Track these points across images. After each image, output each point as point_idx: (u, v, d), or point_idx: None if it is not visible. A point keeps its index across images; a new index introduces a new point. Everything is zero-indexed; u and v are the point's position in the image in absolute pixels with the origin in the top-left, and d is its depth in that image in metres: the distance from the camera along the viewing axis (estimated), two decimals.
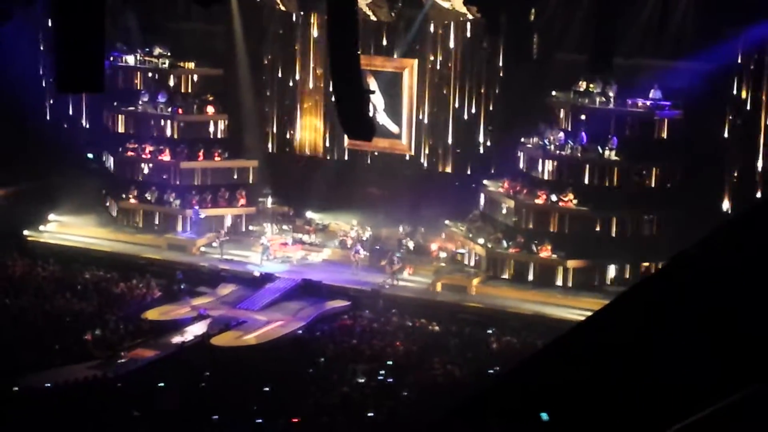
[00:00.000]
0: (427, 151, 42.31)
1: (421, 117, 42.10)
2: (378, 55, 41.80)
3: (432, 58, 41.52)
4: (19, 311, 34.74)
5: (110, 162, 44.37)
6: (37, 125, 45.79)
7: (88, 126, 45.86)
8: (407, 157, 42.61)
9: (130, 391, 28.67)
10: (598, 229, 37.42)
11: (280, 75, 44.33)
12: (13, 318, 34.11)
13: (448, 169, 42.10)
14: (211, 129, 43.97)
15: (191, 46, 44.46)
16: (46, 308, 35.02)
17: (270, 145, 44.76)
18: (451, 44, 41.12)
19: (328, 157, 43.94)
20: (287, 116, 44.48)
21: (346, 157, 43.65)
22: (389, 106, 42.09)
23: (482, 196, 40.33)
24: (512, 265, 37.93)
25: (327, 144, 43.95)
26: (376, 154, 43.02)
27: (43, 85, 45.26)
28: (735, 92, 36.25)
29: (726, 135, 36.74)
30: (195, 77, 44.37)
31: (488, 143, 41.27)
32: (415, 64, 41.82)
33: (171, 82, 44.00)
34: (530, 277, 37.60)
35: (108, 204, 43.91)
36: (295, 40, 43.68)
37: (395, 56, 41.68)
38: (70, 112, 46.37)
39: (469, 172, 41.58)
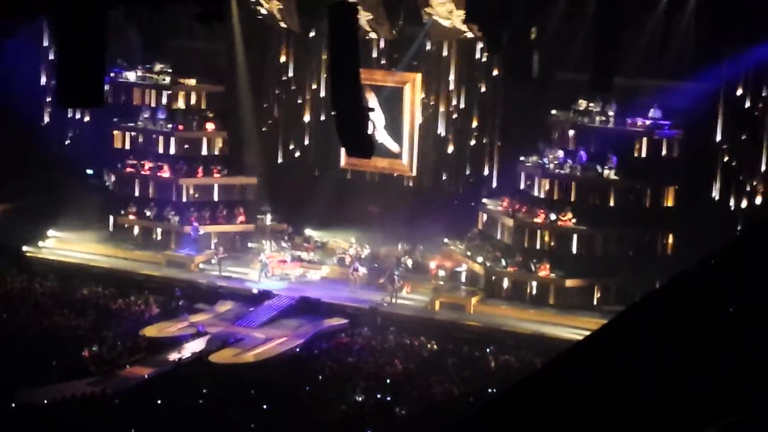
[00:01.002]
0: (426, 170, 42.29)
1: (421, 135, 42.07)
2: (378, 69, 41.86)
3: (431, 76, 41.54)
4: (17, 327, 34.68)
5: (110, 178, 44.35)
6: (37, 141, 45.82)
7: (87, 142, 45.82)
8: (407, 180, 42.58)
9: (127, 407, 28.62)
10: (596, 248, 37.44)
11: (279, 92, 44.35)
12: (11, 334, 34.05)
13: (448, 188, 42.07)
14: (211, 146, 43.98)
15: (192, 62, 44.48)
16: (44, 324, 34.96)
17: (279, 158, 44.68)
18: (451, 62, 41.16)
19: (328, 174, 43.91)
20: (290, 132, 44.48)
21: (348, 176, 43.63)
22: (389, 123, 42.11)
23: (481, 214, 40.33)
24: (511, 283, 37.92)
25: (325, 161, 43.91)
26: (376, 179, 42.96)
27: (44, 100, 45.24)
28: (735, 111, 36.31)
29: (726, 154, 36.77)
30: (195, 94, 44.39)
31: (488, 162, 41.25)
32: (418, 79, 41.85)
33: (171, 99, 43.99)
34: (528, 296, 37.58)
35: (107, 220, 43.91)
36: (297, 57, 43.73)
37: (396, 70, 41.70)
38: (70, 128, 46.33)
39: (468, 191, 41.55)
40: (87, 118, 45.48)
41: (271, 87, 44.43)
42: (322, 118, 43.47)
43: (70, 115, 45.49)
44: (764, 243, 6.73)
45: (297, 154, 44.51)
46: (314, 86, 43.67)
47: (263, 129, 44.57)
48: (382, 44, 41.75)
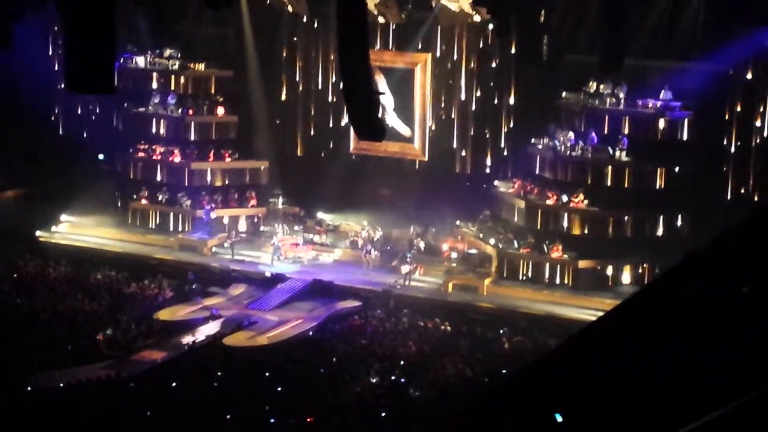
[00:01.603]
0: (437, 153, 42.26)
1: (432, 118, 42.05)
2: (387, 50, 41.76)
3: (441, 59, 41.50)
4: (31, 311, 34.87)
5: (121, 163, 44.45)
6: (49, 126, 45.94)
7: (99, 127, 45.92)
8: (418, 163, 42.58)
9: (142, 391, 28.77)
10: (608, 229, 37.44)
11: (289, 76, 44.35)
12: (26, 318, 34.23)
13: (459, 170, 42.04)
14: (222, 130, 44.05)
15: (202, 47, 44.54)
16: (58, 309, 35.14)
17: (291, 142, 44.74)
18: (461, 46, 41.11)
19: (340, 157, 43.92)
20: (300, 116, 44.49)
21: (357, 158, 43.62)
22: (399, 106, 42.08)
23: (493, 196, 40.35)
24: (523, 265, 37.96)
25: (338, 144, 43.91)
26: (388, 163, 42.93)
27: (55, 86, 45.32)
28: (745, 92, 36.31)
29: (736, 135, 36.76)
30: (205, 79, 44.45)
31: (499, 144, 41.24)
32: (429, 59, 41.75)
33: (181, 84, 44.06)
34: (541, 278, 37.62)
35: (120, 205, 44.05)
36: (306, 41, 43.74)
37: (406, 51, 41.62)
38: (81, 113, 46.40)
39: (479, 173, 41.54)
40: (98, 104, 45.49)
41: (281, 71, 44.39)
42: (332, 101, 43.44)
43: (80, 100, 45.49)
44: None
45: (309, 137, 44.47)
46: (325, 70, 43.60)
47: (277, 122, 44.50)
48: (391, 27, 41.64)
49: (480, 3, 37.83)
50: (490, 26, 39.31)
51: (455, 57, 41.31)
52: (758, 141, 36.25)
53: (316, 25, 43.26)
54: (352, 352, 32.21)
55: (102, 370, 30.20)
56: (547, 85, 38.50)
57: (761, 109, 36.11)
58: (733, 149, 36.85)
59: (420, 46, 41.48)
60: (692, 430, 6.01)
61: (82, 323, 34.03)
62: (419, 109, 42.05)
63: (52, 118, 46.56)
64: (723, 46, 35.21)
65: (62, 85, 43.24)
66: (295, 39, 43.96)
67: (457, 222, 40.66)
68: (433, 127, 42.06)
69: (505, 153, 41.08)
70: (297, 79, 44.28)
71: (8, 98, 41.87)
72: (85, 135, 46.31)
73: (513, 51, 39.68)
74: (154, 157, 43.42)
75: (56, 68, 45.20)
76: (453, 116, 41.86)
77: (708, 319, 6.43)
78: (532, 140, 39.03)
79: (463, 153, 41.99)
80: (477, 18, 39.60)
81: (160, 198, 43.09)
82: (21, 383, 28.74)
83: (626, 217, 37.30)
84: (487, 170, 41.37)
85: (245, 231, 42.11)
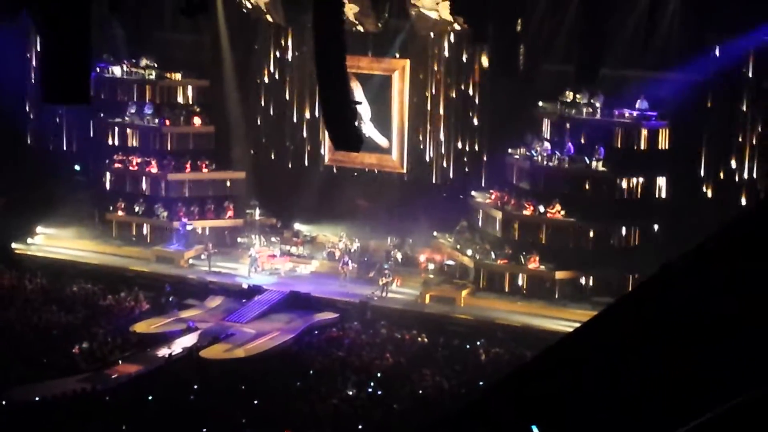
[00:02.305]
0: (415, 163, 42.21)
1: (410, 128, 41.97)
2: (364, 55, 41.55)
3: (418, 68, 41.48)
4: (6, 324, 34.62)
5: (97, 174, 44.27)
6: (24, 137, 45.73)
7: (75, 138, 45.74)
8: (400, 178, 42.46)
9: (118, 404, 28.59)
10: (585, 240, 37.46)
11: (267, 84, 44.27)
12: (1, 331, 33.98)
13: (436, 181, 42.01)
14: (198, 140, 43.93)
15: (178, 56, 44.41)
16: (33, 321, 34.93)
17: (267, 152, 44.63)
18: (437, 54, 41.11)
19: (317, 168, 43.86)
20: (279, 126, 44.40)
21: (334, 169, 43.57)
22: (376, 116, 41.99)
23: (470, 207, 40.34)
24: (500, 276, 37.94)
25: (314, 154, 43.86)
26: (365, 174, 42.85)
27: (30, 96, 45.13)
28: (720, 102, 36.44)
29: (711, 145, 36.87)
30: (182, 88, 44.33)
31: (476, 154, 41.23)
32: (407, 65, 41.60)
33: (158, 94, 43.92)
34: (518, 289, 37.60)
35: (96, 216, 43.84)
36: (283, 50, 43.68)
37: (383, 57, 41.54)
38: (57, 124, 46.18)
39: (456, 183, 41.53)
40: (73, 114, 45.27)
41: (258, 80, 44.31)
42: (307, 114, 43.38)
43: (56, 110, 45.28)
44: (750, 232, 6.74)
45: (284, 148, 44.38)
46: (300, 80, 43.51)
47: (263, 140, 44.41)
48: (368, 35, 41.57)
49: (457, 12, 37.86)
50: (467, 35, 39.30)
51: (432, 66, 41.29)
52: (736, 150, 36.35)
53: (293, 34, 43.21)
54: (329, 364, 32.12)
55: (78, 384, 29.96)
56: (523, 94, 38.51)
57: (737, 117, 36.23)
58: (708, 159, 36.94)
59: (398, 54, 41.44)
60: None
61: (57, 336, 33.82)
62: (397, 118, 41.95)
63: (27, 129, 46.30)
64: (698, 55, 35.34)
65: (37, 95, 43.11)
66: (272, 48, 43.89)
67: (435, 233, 40.63)
68: (410, 138, 42.01)
69: (482, 163, 41.05)
70: (274, 88, 44.18)
71: None
72: (61, 146, 46.11)
73: (489, 60, 39.69)
74: (131, 168, 43.27)
75: (32, 78, 45.00)
76: (429, 126, 41.81)
77: (684, 331, 6.39)
78: (509, 150, 39.04)
79: (440, 163, 41.96)
80: (455, 27, 39.58)
81: (136, 209, 42.93)
82: None
83: (603, 228, 37.31)
84: (464, 181, 41.32)
85: (217, 246, 41.78)
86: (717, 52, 35.50)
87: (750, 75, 35.70)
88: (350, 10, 39.00)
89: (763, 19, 33.64)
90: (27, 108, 45.85)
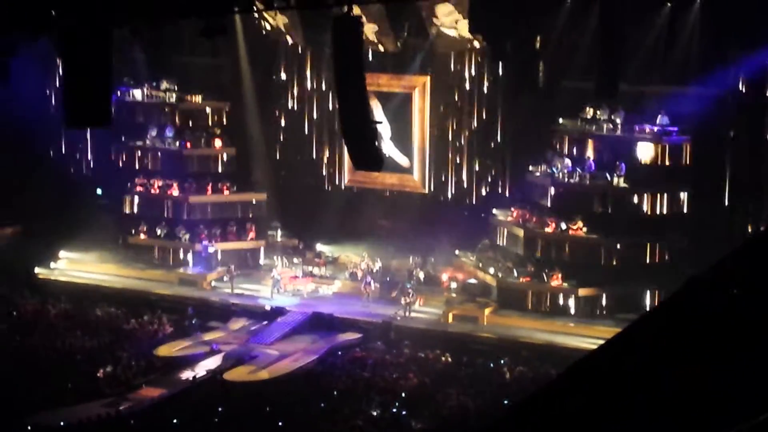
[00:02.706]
0: (437, 182, 42.19)
1: (432, 146, 41.92)
2: (383, 72, 41.48)
3: (438, 86, 41.49)
4: (31, 349, 34.70)
5: (119, 197, 44.40)
6: (46, 162, 45.89)
7: (96, 161, 45.91)
8: (421, 197, 42.39)
9: (143, 428, 28.59)
10: (608, 256, 37.33)
11: (286, 107, 44.39)
12: (25, 356, 34.06)
13: (458, 199, 41.97)
14: (220, 162, 44.03)
15: (198, 79, 44.56)
16: (57, 346, 34.99)
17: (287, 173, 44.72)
18: (457, 72, 41.12)
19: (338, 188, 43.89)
20: (299, 147, 44.49)
21: (355, 189, 43.60)
22: (396, 134, 41.98)
23: (492, 225, 40.28)
24: (523, 294, 37.83)
25: (335, 175, 43.92)
26: (386, 193, 42.87)
27: (53, 120, 45.30)
28: (741, 116, 36.34)
29: (733, 159, 36.74)
30: (202, 110, 44.44)
31: (497, 172, 41.21)
32: (427, 82, 41.60)
33: (179, 116, 44.05)
34: (542, 306, 37.49)
35: (119, 240, 43.94)
36: (303, 70, 43.80)
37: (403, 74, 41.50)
38: (79, 148, 46.37)
39: (478, 201, 41.48)
40: (95, 138, 45.43)
41: (278, 101, 44.43)
42: (327, 134, 43.44)
43: (78, 134, 45.45)
44: None
45: (305, 168, 44.46)
46: (321, 100, 43.59)
47: (276, 155, 44.52)
48: (388, 54, 41.61)
49: (476, 29, 37.87)
50: (487, 53, 39.32)
51: (451, 84, 41.29)
52: (757, 164, 36.20)
53: (312, 55, 43.31)
54: (352, 384, 32.04)
55: (102, 408, 29.99)
56: (543, 111, 38.48)
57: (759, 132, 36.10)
58: (732, 173, 36.80)
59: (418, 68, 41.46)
60: None
61: (81, 360, 33.87)
62: (418, 136, 41.92)
63: (50, 153, 46.48)
64: (718, 69, 35.24)
65: (59, 119, 43.26)
66: (291, 69, 44.01)
67: (456, 252, 40.58)
68: (432, 156, 41.98)
69: (503, 181, 41.01)
70: (294, 109, 44.29)
71: (5, 133, 41.85)
72: (83, 170, 46.29)
73: (509, 78, 39.68)
74: (153, 191, 43.36)
75: (53, 102, 45.20)
76: (450, 144, 41.79)
77: (712, 345, 6.34)
78: (530, 168, 38.97)
79: (461, 181, 41.92)
80: (474, 45, 39.60)
81: (158, 232, 43.02)
82: (21, 422, 28.55)
83: (626, 244, 37.18)
84: (486, 199, 41.27)
85: (240, 268, 41.77)
86: (738, 66, 35.40)
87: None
88: (369, 30, 39.07)
89: None
90: (49, 132, 45.98)
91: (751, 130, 36.33)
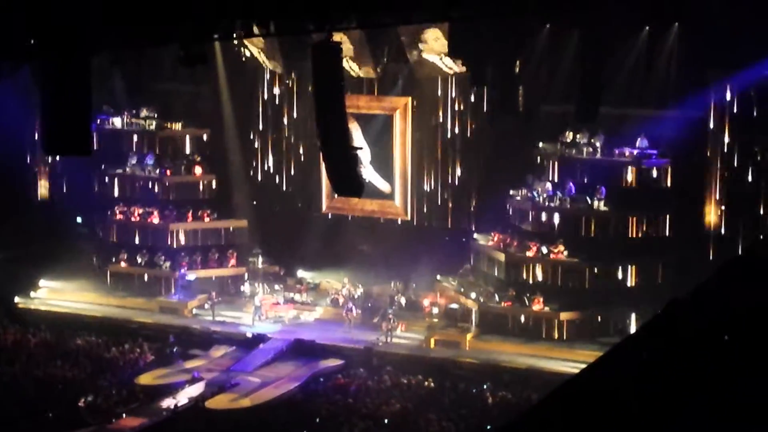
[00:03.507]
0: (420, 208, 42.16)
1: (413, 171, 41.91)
2: (362, 94, 41.32)
3: (418, 112, 41.52)
4: (11, 379, 34.50)
5: (99, 225, 44.27)
6: (26, 190, 45.72)
7: (75, 189, 45.74)
8: (402, 222, 42.37)
9: None
10: (589, 280, 37.37)
11: (268, 132, 44.40)
12: (6, 386, 33.86)
13: (439, 224, 41.95)
14: (200, 189, 43.97)
15: (178, 107, 44.54)
16: (38, 376, 34.79)
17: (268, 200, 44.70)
18: (436, 98, 41.17)
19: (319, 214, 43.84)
20: (280, 174, 44.47)
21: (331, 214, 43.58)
22: (377, 158, 41.96)
23: (473, 249, 40.28)
24: (505, 318, 37.81)
25: (316, 201, 43.86)
26: (359, 219, 42.79)
27: (33, 149, 45.18)
28: (720, 139, 36.51)
29: (714, 182, 36.88)
30: (182, 138, 44.43)
31: (477, 196, 41.23)
32: (409, 103, 41.49)
33: (159, 144, 44.02)
34: (523, 331, 37.47)
35: (99, 268, 43.76)
36: (282, 97, 43.82)
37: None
38: (59, 176, 46.18)
39: (459, 226, 41.48)
40: (75, 166, 45.26)
41: (258, 128, 44.42)
42: (308, 161, 43.40)
43: (58, 163, 45.33)
44: (750, 272, 6.71)
45: (286, 195, 44.43)
46: (301, 126, 43.56)
47: (256, 182, 44.51)
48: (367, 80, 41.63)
49: (456, 54, 37.95)
50: (466, 78, 39.38)
51: (432, 109, 41.33)
52: (736, 187, 36.33)
53: (292, 82, 43.33)
54: (335, 411, 31.94)
55: None
56: (523, 135, 38.57)
57: (736, 155, 36.26)
58: (712, 195, 36.93)
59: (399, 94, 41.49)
60: None
61: (62, 390, 33.69)
62: (399, 161, 41.84)
63: (30, 182, 46.31)
64: (697, 93, 35.41)
65: (40, 149, 43.16)
66: (272, 95, 44.02)
67: (438, 277, 40.54)
68: (414, 181, 41.94)
69: (484, 205, 41.01)
70: (274, 135, 44.28)
71: None
72: (62, 198, 46.12)
73: (489, 102, 39.76)
74: (133, 219, 43.26)
75: (34, 131, 45.05)
76: (431, 169, 41.79)
77: (693, 366, 6.34)
78: (510, 192, 39.03)
79: (443, 206, 41.90)
80: (453, 69, 39.66)
81: (139, 260, 42.89)
82: None
83: (607, 267, 37.24)
84: (466, 223, 41.28)
85: (221, 295, 41.66)
86: (716, 89, 35.62)
87: (748, 110, 35.72)
88: (348, 56, 39.09)
89: (760, 55, 33.70)
90: (29, 161, 45.87)
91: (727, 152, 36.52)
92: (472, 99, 40.59)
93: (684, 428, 6.14)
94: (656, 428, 6.26)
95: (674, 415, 6.24)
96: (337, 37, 33.52)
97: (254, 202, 44.41)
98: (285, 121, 43.98)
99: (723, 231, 36.59)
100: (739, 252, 35.36)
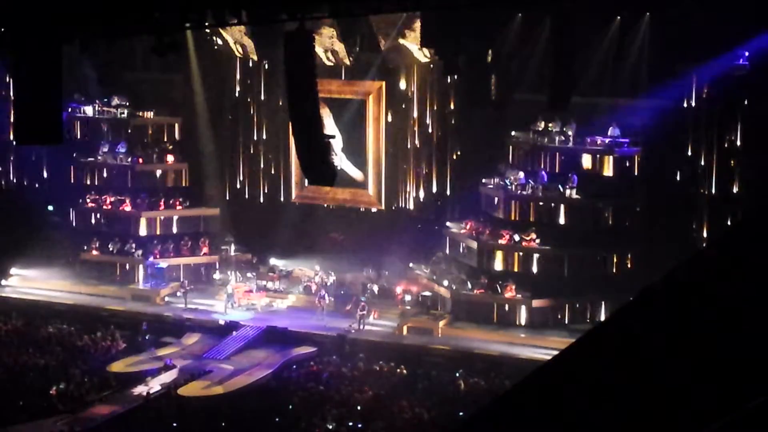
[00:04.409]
0: (393, 196, 42.18)
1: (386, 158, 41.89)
2: (334, 78, 41.18)
3: (390, 101, 41.53)
4: None
5: (71, 213, 44.11)
6: None
7: (47, 178, 45.59)
8: (374, 210, 42.40)
9: None
10: (561, 267, 37.54)
11: (240, 120, 44.32)
12: None
13: (411, 212, 42.01)
14: (172, 178, 43.88)
15: (150, 95, 44.41)
16: (9, 363, 34.69)
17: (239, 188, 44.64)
18: (409, 87, 41.18)
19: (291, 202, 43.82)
20: (250, 162, 44.40)
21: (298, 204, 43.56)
22: (349, 145, 41.94)
23: (446, 237, 40.36)
24: (477, 306, 37.92)
25: (288, 189, 43.84)
26: (331, 207, 42.83)
27: (3, 137, 44.96)
28: (690, 128, 36.71)
29: (682, 171, 37.09)
30: (154, 126, 44.32)
31: (450, 184, 41.30)
32: (383, 87, 41.39)
33: (130, 132, 43.89)
34: (495, 318, 37.60)
35: (70, 256, 43.62)
36: (254, 85, 43.74)
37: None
38: (30, 164, 46.00)
39: (431, 214, 41.55)
40: (46, 154, 45.10)
41: (230, 116, 44.35)
42: (280, 149, 43.36)
43: (29, 151, 45.11)
44: (725, 257, 6.78)
45: (257, 183, 44.38)
46: (273, 115, 43.48)
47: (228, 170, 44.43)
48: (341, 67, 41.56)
49: (428, 44, 37.99)
50: (439, 67, 39.43)
51: (404, 98, 41.33)
52: (708, 175, 36.53)
53: (264, 70, 43.26)
54: (308, 398, 32.01)
55: (56, 425, 29.81)
56: (496, 124, 38.67)
57: (708, 143, 36.43)
58: (681, 184, 37.13)
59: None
60: None
61: (34, 378, 33.60)
62: (372, 148, 41.86)
63: (0, 170, 46.12)
64: (667, 82, 35.57)
65: (10, 137, 43.00)
66: (244, 83, 43.93)
67: (410, 264, 40.60)
68: (388, 170, 41.93)
69: (456, 193, 41.10)
70: (246, 124, 44.21)
71: None
72: (34, 186, 45.94)
73: (461, 91, 39.82)
74: (105, 207, 43.14)
75: (8, 120, 44.81)
76: (403, 157, 41.81)
77: (664, 355, 6.40)
78: (483, 180, 39.12)
79: (415, 194, 41.97)
80: (426, 59, 39.70)
81: (111, 248, 42.77)
82: None
83: (579, 255, 37.41)
84: (439, 212, 41.36)
85: (193, 283, 41.59)
86: (685, 79, 35.80)
87: (717, 99, 35.90)
88: (321, 45, 39.06)
89: (729, 46, 33.89)
90: (0, 149, 45.65)
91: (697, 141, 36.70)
92: (444, 88, 40.60)
93: (654, 417, 6.21)
94: (626, 417, 6.32)
95: (644, 404, 6.31)
96: (325, 28, 33.54)
97: (226, 189, 44.21)
98: (257, 109, 43.86)
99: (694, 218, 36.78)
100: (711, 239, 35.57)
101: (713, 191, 36.18)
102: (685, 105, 36.57)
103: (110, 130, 43.94)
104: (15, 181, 46.14)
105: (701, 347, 6.29)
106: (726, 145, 35.94)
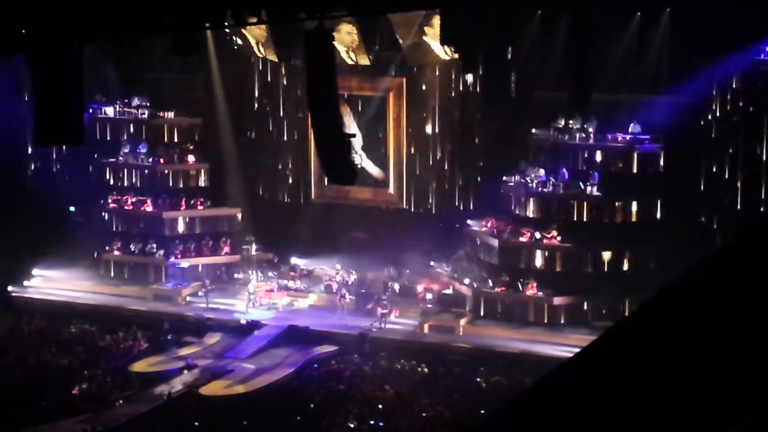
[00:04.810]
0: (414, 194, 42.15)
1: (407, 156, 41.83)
2: (353, 75, 40.91)
3: (410, 99, 41.47)
4: (5, 368, 34.51)
5: (93, 214, 44.26)
6: (19, 179, 45.67)
7: (69, 179, 45.73)
8: (395, 208, 42.34)
9: None
10: (583, 265, 37.47)
11: (261, 119, 44.39)
12: None
13: (432, 210, 41.98)
14: (193, 177, 43.98)
15: (170, 95, 44.49)
16: (32, 364, 34.82)
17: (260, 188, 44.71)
18: (429, 85, 41.13)
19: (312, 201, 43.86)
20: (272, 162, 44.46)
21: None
22: (369, 144, 41.90)
23: (467, 235, 40.33)
24: (499, 304, 37.89)
25: (309, 188, 43.88)
26: (352, 206, 42.76)
27: (26, 138, 45.11)
28: (712, 124, 36.57)
29: (706, 167, 36.96)
30: (175, 126, 44.44)
31: (471, 182, 41.27)
32: (404, 84, 41.34)
33: (151, 133, 44.02)
34: (517, 316, 37.56)
35: (93, 256, 43.78)
36: (275, 85, 43.79)
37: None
38: (52, 165, 46.20)
39: (452, 212, 41.52)
40: (68, 155, 45.24)
41: (251, 116, 44.42)
42: (301, 149, 43.39)
43: (51, 152, 45.29)
44: (747, 254, 6.75)
45: (279, 182, 44.43)
46: (293, 114, 43.52)
47: (249, 170, 44.48)
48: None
49: (447, 41, 37.94)
50: (459, 64, 39.37)
51: (424, 96, 41.29)
52: (730, 171, 36.38)
53: (284, 70, 43.30)
54: (329, 397, 32.02)
55: (78, 425, 29.88)
56: (516, 121, 38.61)
57: (731, 140, 36.29)
58: (704, 181, 37.02)
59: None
60: None
61: (56, 378, 33.73)
62: (393, 145, 41.82)
63: (23, 171, 46.28)
64: (689, 78, 35.46)
65: (31, 137, 43.10)
66: (264, 84, 43.99)
67: (431, 263, 40.59)
68: (409, 167, 41.90)
69: (478, 191, 41.07)
70: (267, 123, 44.27)
71: None
72: (56, 187, 46.08)
73: (481, 89, 39.77)
74: (126, 208, 43.28)
75: (25, 120, 44.93)
76: (425, 155, 41.77)
77: (684, 352, 6.39)
78: (504, 178, 39.09)
79: (436, 192, 41.91)
80: (446, 56, 39.66)
81: (133, 248, 42.92)
82: None
83: (600, 252, 37.33)
84: (460, 209, 41.33)
85: (214, 282, 41.66)
86: (706, 75, 35.65)
87: (739, 96, 35.75)
88: (341, 44, 39.06)
89: (751, 41, 33.76)
90: (22, 150, 45.78)
91: (720, 138, 36.55)
92: (465, 86, 40.55)
93: (673, 416, 6.19)
94: (645, 416, 6.31)
95: (663, 403, 6.30)
96: (346, 26, 33.48)
97: (247, 188, 44.26)
98: (278, 108, 43.90)
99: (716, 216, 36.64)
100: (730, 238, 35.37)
101: (738, 187, 35.99)
102: (707, 101, 36.39)
103: (131, 131, 44.08)
104: (37, 182, 46.25)
105: (720, 348, 6.27)
106: (750, 142, 35.80)
